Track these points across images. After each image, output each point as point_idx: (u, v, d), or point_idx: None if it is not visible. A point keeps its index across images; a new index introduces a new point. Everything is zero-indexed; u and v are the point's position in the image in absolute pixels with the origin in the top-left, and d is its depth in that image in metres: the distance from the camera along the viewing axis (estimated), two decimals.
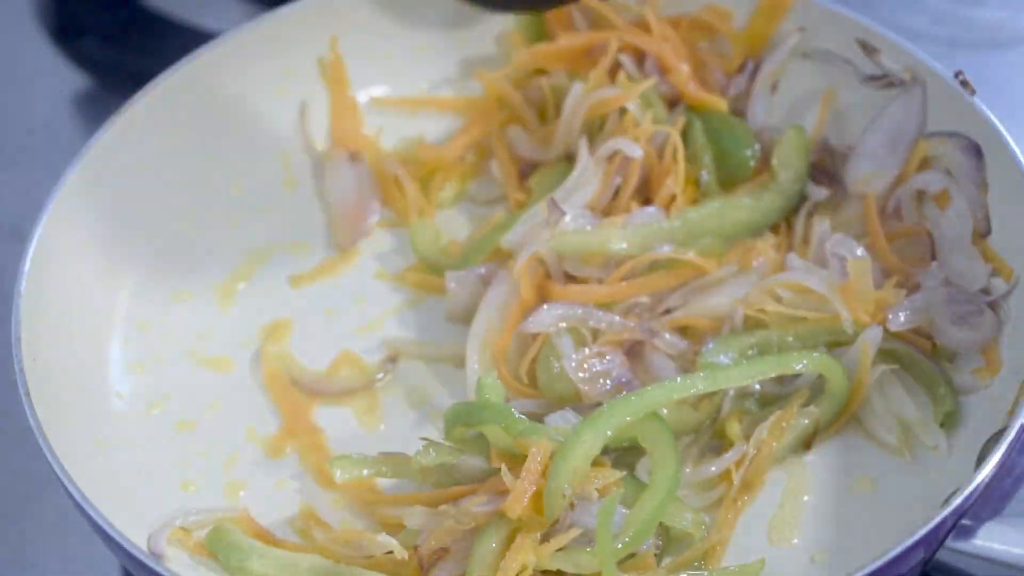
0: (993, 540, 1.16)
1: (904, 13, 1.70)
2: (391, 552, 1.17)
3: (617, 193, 1.37)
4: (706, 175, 1.39)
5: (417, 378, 1.34)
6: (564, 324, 1.29)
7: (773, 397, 1.27)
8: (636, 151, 1.34)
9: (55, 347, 1.28)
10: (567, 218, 1.31)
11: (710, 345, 1.28)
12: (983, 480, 1.11)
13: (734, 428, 1.24)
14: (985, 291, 1.27)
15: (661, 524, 1.18)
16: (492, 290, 1.34)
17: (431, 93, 1.53)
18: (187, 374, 1.35)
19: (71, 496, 1.14)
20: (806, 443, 1.25)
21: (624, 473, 1.19)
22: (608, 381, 1.27)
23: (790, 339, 1.28)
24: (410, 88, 1.52)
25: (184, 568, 1.18)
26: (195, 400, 1.33)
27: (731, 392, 1.25)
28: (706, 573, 1.17)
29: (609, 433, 1.18)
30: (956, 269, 1.30)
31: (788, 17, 1.44)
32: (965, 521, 1.16)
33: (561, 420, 1.22)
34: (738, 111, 1.44)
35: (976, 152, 1.31)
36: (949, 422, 1.24)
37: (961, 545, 1.15)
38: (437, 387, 1.33)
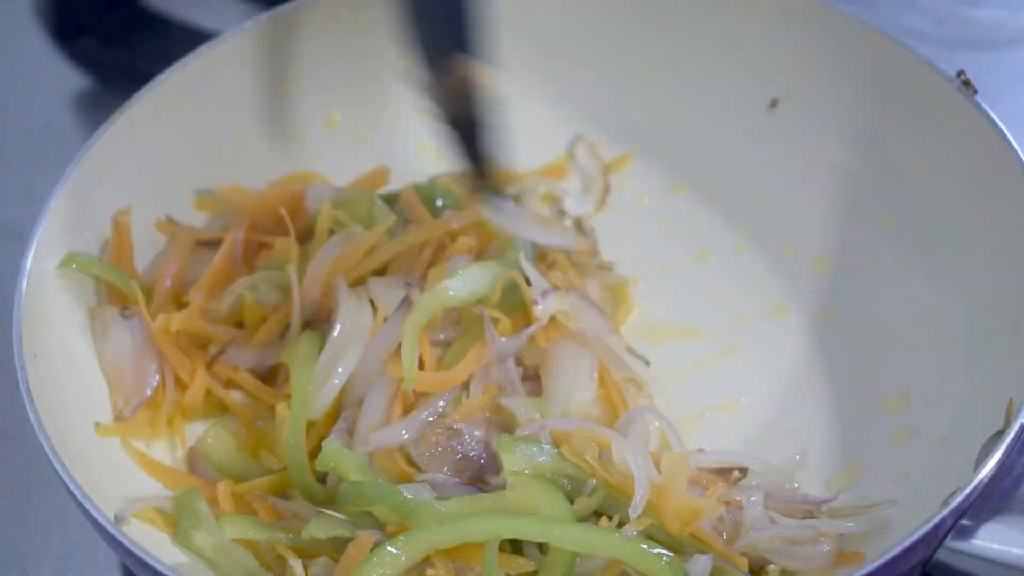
0: (992, 540, 1.15)
1: (904, 13, 1.70)
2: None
3: None
4: None
5: None
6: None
7: None
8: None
9: (55, 345, 1.28)
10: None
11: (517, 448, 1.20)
12: (982, 480, 1.11)
13: None
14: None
15: None
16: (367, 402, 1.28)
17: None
18: None
19: (71, 495, 1.14)
20: None
21: (534, 566, 1.17)
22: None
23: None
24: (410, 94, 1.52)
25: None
26: None
27: None
28: None
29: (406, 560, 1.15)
30: None
31: None
32: (965, 521, 1.15)
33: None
34: None
35: None
36: None
37: (960, 545, 1.15)
38: None
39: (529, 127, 1.52)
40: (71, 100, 1.72)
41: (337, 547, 1.19)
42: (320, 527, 1.19)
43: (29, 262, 1.27)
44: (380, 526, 1.19)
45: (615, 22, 1.53)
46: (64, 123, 1.70)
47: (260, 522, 1.22)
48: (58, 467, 1.15)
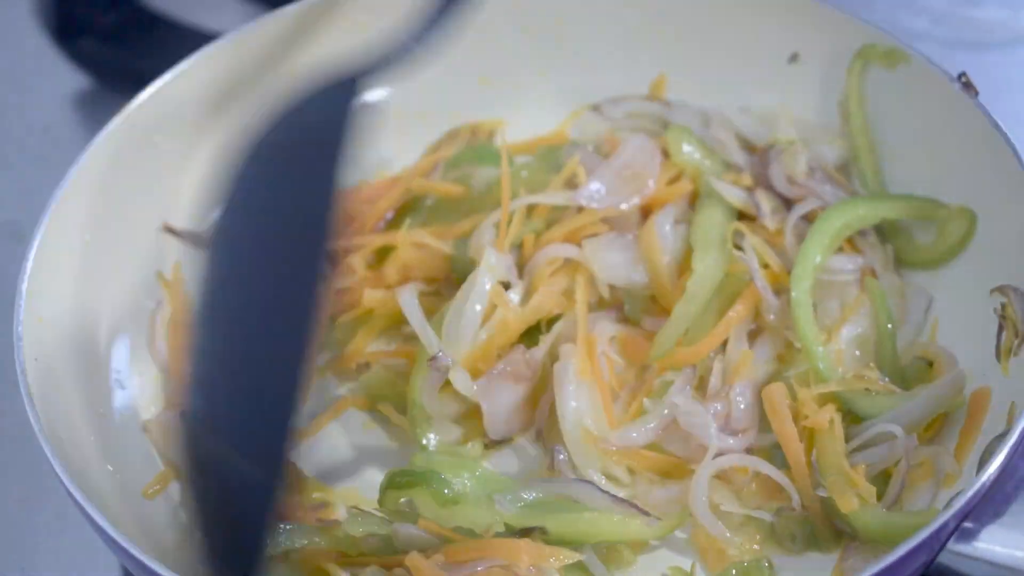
0: (995, 543, 1.16)
1: (904, 13, 1.71)
2: None
3: None
4: None
5: None
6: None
7: None
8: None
9: (56, 347, 1.28)
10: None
11: None
12: (985, 483, 1.11)
13: None
14: None
15: None
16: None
17: (432, 98, 1.53)
18: None
19: (71, 496, 1.14)
20: None
21: (581, 556, 1.18)
22: None
23: None
24: (411, 94, 1.52)
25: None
26: None
27: None
28: None
29: None
30: None
31: None
32: (967, 524, 1.16)
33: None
34: None
35: None
36: None
37: (963, 548, 1.15)
38: None
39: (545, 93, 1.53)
40: (71, 100, 1.72)
41: (380, 549, 1.18)
42: (356, 524, 1.18)
43: (30, 263, 1.27)
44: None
45: None
46: (64, 123, 1.70)
47: (301, 527, 1.19)
48: (58, 468, 1.15)
